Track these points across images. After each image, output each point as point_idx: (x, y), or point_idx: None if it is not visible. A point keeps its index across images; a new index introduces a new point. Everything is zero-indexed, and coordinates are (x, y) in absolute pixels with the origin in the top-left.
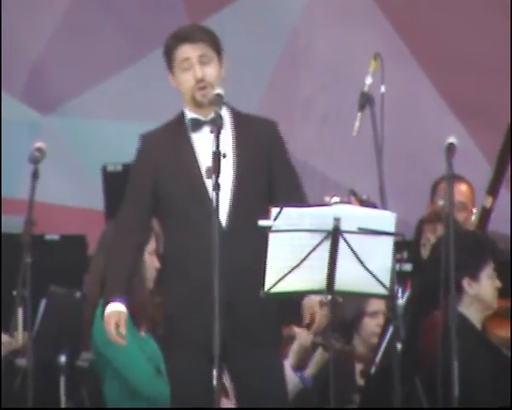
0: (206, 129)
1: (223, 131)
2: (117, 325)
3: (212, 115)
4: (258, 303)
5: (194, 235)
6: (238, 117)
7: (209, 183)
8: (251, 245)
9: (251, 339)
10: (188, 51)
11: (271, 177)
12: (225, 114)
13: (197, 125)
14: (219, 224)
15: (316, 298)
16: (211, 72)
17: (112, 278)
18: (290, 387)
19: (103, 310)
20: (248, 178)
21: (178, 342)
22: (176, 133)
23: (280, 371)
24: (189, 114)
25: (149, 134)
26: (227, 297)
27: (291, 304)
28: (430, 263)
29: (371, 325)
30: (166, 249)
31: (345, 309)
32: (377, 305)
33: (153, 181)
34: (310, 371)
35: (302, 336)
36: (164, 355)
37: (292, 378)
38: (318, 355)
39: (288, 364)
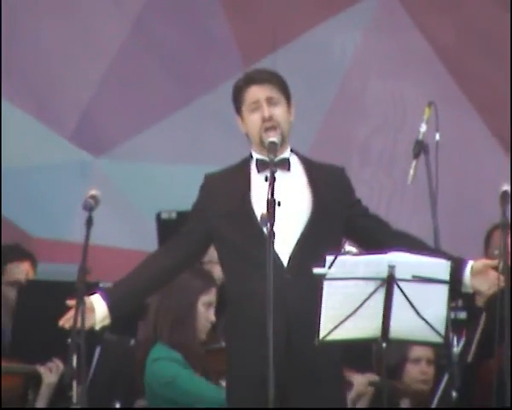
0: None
1: (288, 175)
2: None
3: (280, 157)
4: (320, 346)
5: (256, 277)
6: (308, 163)
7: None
8: (314, 289)
9: (313, 380)
10: (256, 93)
11: (354, 222)
12: (293, 158)
13: (262, 166)
14: (281, 265)
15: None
16: (278, 112)
17: (120, 280)
18: None
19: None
20: (320, 221)
21: (237, 379)
22: (238, 176)
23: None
24: (256, 156)
25: (212, 175)
26: (285, 338)
27: (352, 348)
28: (488, 312)
29: (414, 371)
30: (227, 289)
31: (387, 355)
32: (420, 351)
33: (206, 225)
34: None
35: (360, 383)
36: (226, 394)
37: None
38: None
39: None
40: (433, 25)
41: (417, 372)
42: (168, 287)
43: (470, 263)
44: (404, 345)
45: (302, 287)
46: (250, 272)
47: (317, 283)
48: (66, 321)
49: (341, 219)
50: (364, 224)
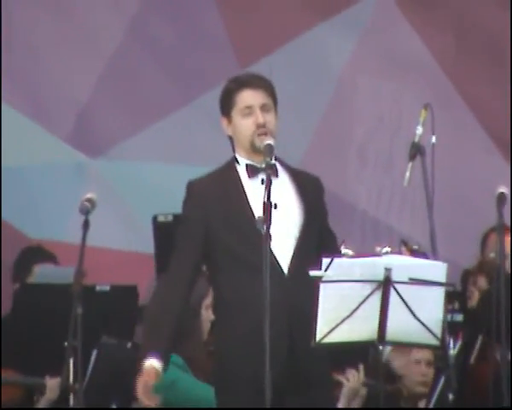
0: (261, 177)
1: (277, 181)
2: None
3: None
4: (316, 349)
5: (252, 280)
6: (290, 169)
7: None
8: (311, 292)
9: (309, 383)
10: (250, 97)
11: (324, 234)
12: (279, 166)
13: (253, 171)
14: (281, 271)
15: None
16: (270, 119)
17: (155, 331)
18: None
19: (139, 361)
20: (310, 226)
21: (232, 384)
22: (227, 180)
23: None
24: (244, 161)
25: (198, 181)
26: (288, 342)
27: (338, 350)
28: (480, 313)
29: (415, 373)
30: (220, 294)
31: (391, 357)
32: (420, 353)
33: (204, 230)
34: (343, 403)
35: (353, 378)
36: (216, 398)
37: None
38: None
39: (339, 407)
40: (430, 27)
41: (418, 374)
42: None
43: None
44: (405, 348)
45: (302, 291)
46: (248, 277)
47: (315, 285)
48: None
49: (319, 225)
50: (330, 239)
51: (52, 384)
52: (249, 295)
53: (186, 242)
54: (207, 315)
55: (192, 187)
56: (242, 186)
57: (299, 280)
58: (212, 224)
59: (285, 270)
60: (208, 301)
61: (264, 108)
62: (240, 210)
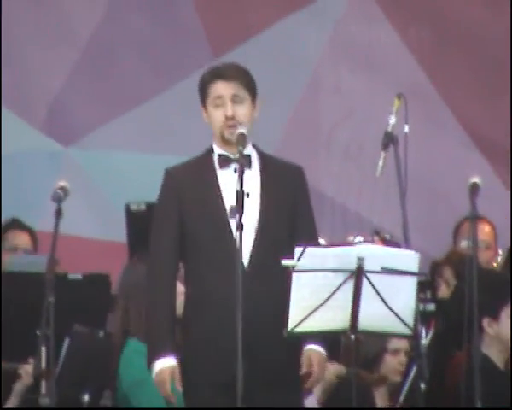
0: (233, 167)
1: (250, 172)
2: (172, 382)
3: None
4: (279, 345)
5: (217, 274)
6: (265, 158)
7: (233, 222)
8: (272, 287)
9: (270, 382)
10: (221, 89)
11: (294, 224)
12: (253, 154)
13: (225, 161)
14: (241, 264)
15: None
16: (242, 111)
17: (157, 329)
18: None
19: (149, 363)
20: (272, 220)
21: (198, 383)
22: (202, 169)
23: None
24: (218, 151)
25: (175, 169)
26: (247, 339)
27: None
28: (453, 304)
29: (393, 362)
30: (187, 286)
31: (366, 346)
32: (399, 343)
33: (179, 217)
34: (318, 395)
35: (329, 372)
36: (184, 395)
37: None
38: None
39: (313, 400)
40: (405, 18)
41: (396, 363)
42: (134, 279)
43: (309, 350)
44: (383, 337)
45: (261, 287)
46: (211, 269)
47: (279, 278)
48: None
49: (291, 218)
50: (296, 232)
51: (28, 369)
52: (213, 289)
53: (165, 231)
54: (179, 288)
55: (168, 174)
56: (216, 176)
57: (260, 274)
58: (185, 212)
59: (245, 264)
60: (181, 272)
61: (234, 99)
62: (211, 199)
